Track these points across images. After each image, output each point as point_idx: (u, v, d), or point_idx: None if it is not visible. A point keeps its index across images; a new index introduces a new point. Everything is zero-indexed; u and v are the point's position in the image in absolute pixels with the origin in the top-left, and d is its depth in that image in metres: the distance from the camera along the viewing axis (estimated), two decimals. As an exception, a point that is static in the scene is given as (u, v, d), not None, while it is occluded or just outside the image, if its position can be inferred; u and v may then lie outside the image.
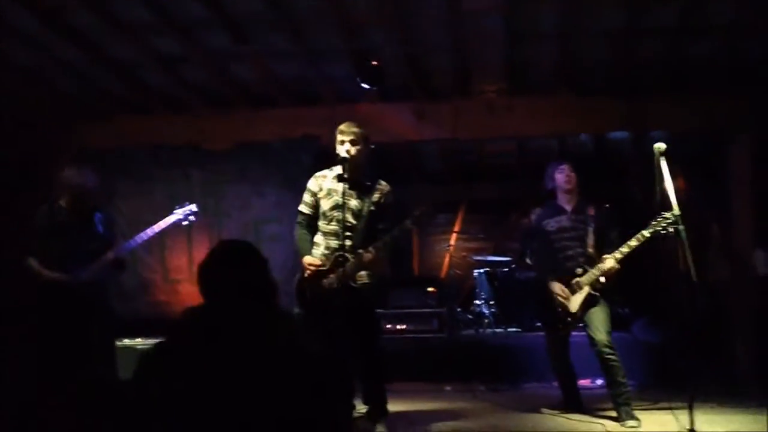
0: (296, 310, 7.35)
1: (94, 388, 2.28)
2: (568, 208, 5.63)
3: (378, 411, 4.99)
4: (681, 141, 7.05)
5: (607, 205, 5.73)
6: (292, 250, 7.67)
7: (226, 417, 2.08)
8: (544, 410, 5.71)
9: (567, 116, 7.65)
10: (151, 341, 7.55)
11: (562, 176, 5.63)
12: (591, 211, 5.55)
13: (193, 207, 6.09)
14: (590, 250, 5.44)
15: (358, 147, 4.92)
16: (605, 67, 7.12)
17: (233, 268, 2.42)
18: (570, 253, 5.50)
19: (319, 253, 4.97)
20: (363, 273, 4.86)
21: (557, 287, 5.42)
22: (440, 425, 5.29)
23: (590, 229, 5.48)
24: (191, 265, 7.93)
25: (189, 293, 7.89)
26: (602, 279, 5.28)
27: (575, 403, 5.70)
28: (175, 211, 6.02)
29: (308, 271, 4.90)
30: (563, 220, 5.60)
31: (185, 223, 6.07)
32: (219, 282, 2.39)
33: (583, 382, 6.12)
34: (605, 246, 5.39)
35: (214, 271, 2.42)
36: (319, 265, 4.87)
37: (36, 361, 5.06)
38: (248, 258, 2.47)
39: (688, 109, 7.37)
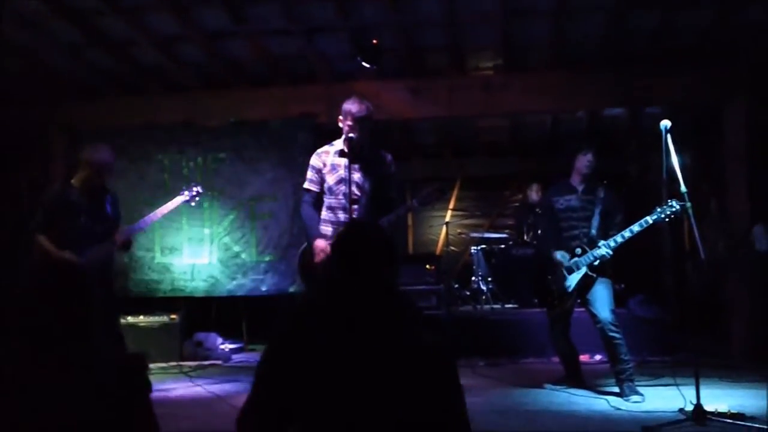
0: (296, 287, 7.32)
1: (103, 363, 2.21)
2: (579, 188, 5.67)
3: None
4: (677, 114, 7.03)
5: (617, 190, 5.78)
6: (287, 226, 7.74)
7: (352, 410, 2.05)
8: (548, 386, 5.75)
9: (563, 93, 7.63)
10: (155, 318, 7.60)
11: (584, 159, 5.66)
12: (601, 194, 5.59)
13: (199, 188, 6.20)
14: (593, 231, 5.48)
15: (366, 128, 4.92)
16: (599, 43, 7.08)
17: (372, 252, 2.26)
18: (575, 232, 5.57)
19: (329, 229, 4.96)
20: None
21: (559, 255, 5.48)
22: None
23: (597, 211, 5.53)
24: (185, 244, 7.90)
25: (181, 272, 7.87)
26: (597, 261, 5.37)
27: (577, 378, 5.75)
28: (182, 192, 6.10)
29: (319, 257, 4.85)
30: (572, 200, 5.65)
31: (192, 204, 6.16)
32: (355, 267, 2.24)
33: (583, 358, 6.16)
34: (609, 229, 5.45)
35: (352, 253, 2.27)
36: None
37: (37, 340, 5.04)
38: (386, 243, 2.31)
39: (683, 83, 7.35)
